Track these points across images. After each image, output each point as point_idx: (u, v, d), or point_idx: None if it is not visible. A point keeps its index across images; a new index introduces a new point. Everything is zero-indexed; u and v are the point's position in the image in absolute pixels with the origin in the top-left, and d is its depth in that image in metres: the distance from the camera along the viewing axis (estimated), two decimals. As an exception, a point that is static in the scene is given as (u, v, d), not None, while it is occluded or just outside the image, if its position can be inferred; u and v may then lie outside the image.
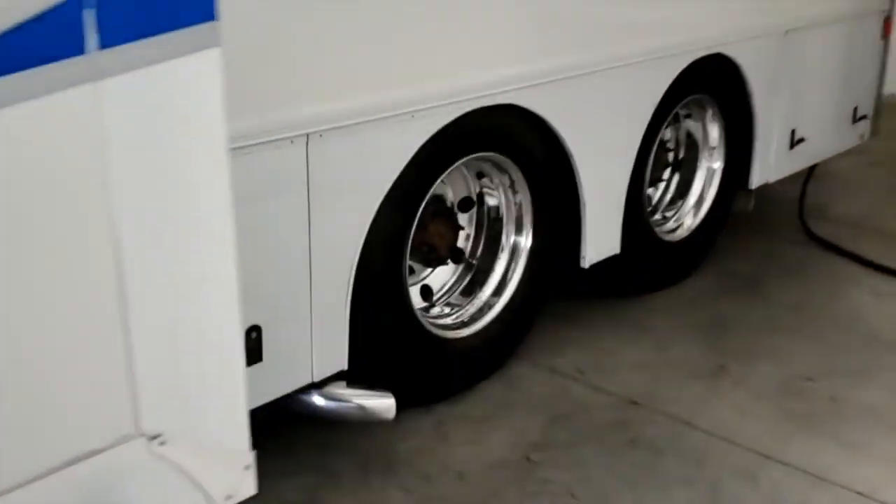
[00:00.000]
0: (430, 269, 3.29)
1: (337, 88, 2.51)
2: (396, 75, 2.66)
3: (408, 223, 2.90)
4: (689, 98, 3.96)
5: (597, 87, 3.30)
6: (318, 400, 2.69)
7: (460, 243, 3.34)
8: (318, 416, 2.74)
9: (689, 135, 4.23)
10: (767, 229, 4.85)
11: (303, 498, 2.73)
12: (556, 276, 3.51)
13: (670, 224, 4.19)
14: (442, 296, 3.33)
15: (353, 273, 2.69)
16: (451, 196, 3.26)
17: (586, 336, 3.71)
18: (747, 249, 4.59)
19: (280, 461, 2.82)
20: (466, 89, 2.84)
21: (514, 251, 3.40)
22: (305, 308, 2.59)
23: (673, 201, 4.27)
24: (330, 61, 2.49)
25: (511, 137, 3.15)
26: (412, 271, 3.16)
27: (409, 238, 2.93)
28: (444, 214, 3.22)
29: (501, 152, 3.15)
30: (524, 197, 3.33)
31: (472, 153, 3.05)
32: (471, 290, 3.38)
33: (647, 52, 3.50)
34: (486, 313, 3.35)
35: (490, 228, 3.38)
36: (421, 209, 2.92)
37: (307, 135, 2.43)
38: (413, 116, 2.69)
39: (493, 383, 3.37)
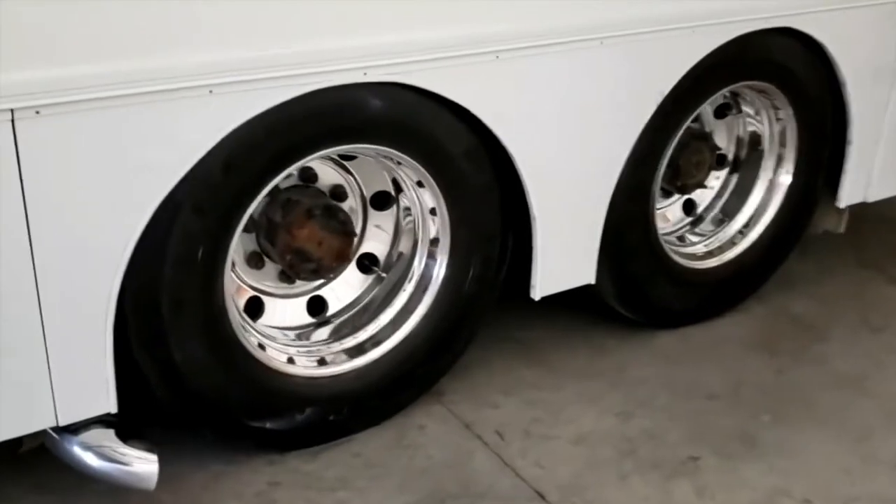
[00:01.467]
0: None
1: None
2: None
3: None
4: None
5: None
6: (72, 448, 2.10)
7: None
8: (73, 466, 2.15)
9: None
10: (860, 258, 3.73)
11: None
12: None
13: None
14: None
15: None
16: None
17: (539, 383, 2.88)
18: (820, 283, 3.52)
19: None
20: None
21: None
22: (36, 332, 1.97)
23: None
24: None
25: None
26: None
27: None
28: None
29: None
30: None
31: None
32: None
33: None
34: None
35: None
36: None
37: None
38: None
39: (384, 430, 2.64)
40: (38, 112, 1.79)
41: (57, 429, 2.11)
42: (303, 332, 2.59)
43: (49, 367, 2.00)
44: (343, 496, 2.39)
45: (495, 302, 2.73)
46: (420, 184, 2.50)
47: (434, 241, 2.58)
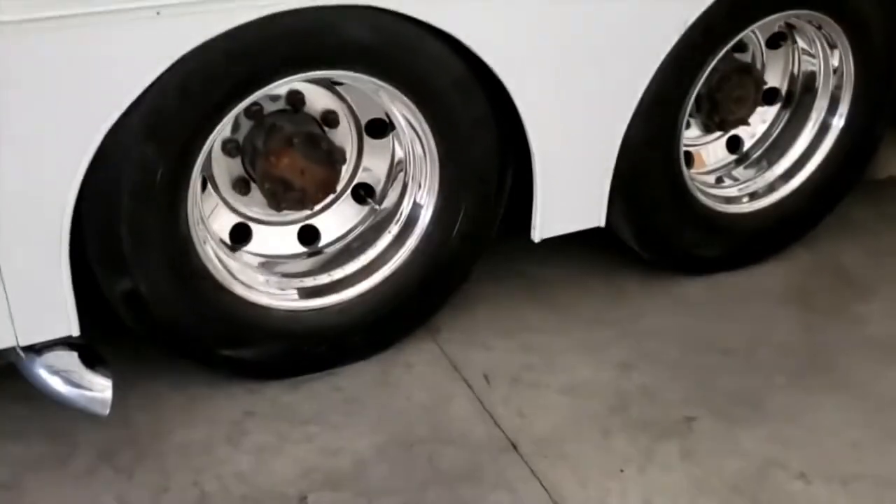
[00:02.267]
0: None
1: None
2: None
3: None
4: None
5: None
6: (34, 369, 2.12)
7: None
8: (36, 387, 2.18)
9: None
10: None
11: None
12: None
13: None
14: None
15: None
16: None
17: (542, 326, 2.74)
18: (878, 234, 3.19)
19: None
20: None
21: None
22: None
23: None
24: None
25: None
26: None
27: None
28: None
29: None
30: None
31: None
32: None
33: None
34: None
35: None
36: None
37: None
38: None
39: (370, 366, 2.58)
40: (-28, 32, 1.75)
41: (23, 349, 2.14)
42: (289, 262, 2.54)
43: (4, 288, 2.01)
44: (313, 430, 2.35)
45: (491, 241, 2.60)
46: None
47: (423, 176, 2.47)
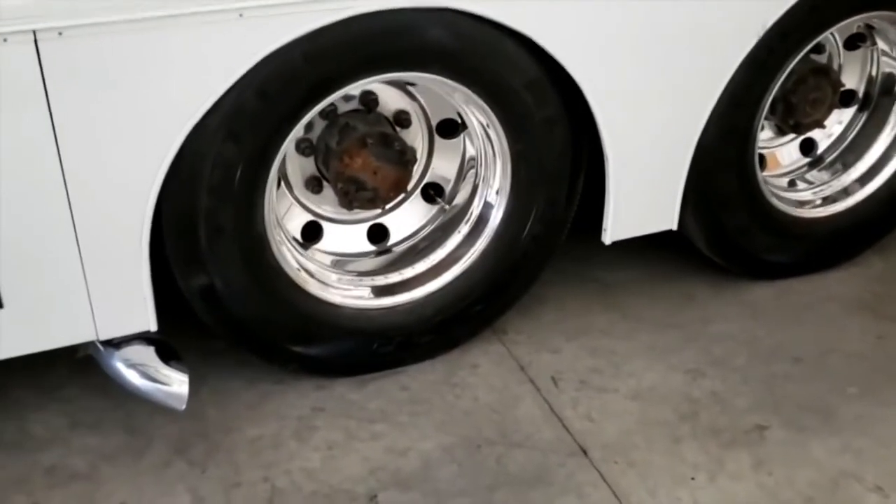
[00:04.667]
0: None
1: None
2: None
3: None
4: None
5: None
6: (112, 362, 2.16)
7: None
8: (114, 380, 2.22)
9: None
10: None
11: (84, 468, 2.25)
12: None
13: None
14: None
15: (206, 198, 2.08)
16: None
17: (610, 329, 2.72)
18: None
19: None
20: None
21: None
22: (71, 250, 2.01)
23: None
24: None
25: None
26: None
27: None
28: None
29: None
30: None
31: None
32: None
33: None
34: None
35: (877, 104, 2.94)
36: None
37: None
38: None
39: (436, 366, 2.57)
40: (60, 33, 1.78)
41: (102, 343, 2.19)
42: (359, 260, 2.55)
43: (87, 284, 2.05)
44: (380, 429, 2.37)
45: (561, 243, 2.59)
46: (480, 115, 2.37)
47: (494, 176, 2.46)
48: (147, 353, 2.17)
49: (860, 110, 2.97)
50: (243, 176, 2.11)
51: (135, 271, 2.09)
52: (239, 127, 2.05)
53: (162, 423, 2.37)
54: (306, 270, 2.39)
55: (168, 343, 2.24)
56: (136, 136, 1.96)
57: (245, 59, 1.95)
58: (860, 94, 2.96)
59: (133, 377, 2.16)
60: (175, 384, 2.15)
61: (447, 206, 2.58)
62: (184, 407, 2.17)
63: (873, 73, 2.90)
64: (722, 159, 2.60)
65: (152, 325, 2.16)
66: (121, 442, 2.33)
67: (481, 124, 2.41)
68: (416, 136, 2.52)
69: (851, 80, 2.92)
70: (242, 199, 2.14)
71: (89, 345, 2.21)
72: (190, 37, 1.89)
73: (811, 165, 3.01)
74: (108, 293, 2.08)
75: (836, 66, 2.85)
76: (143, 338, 2.19)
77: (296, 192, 2.47)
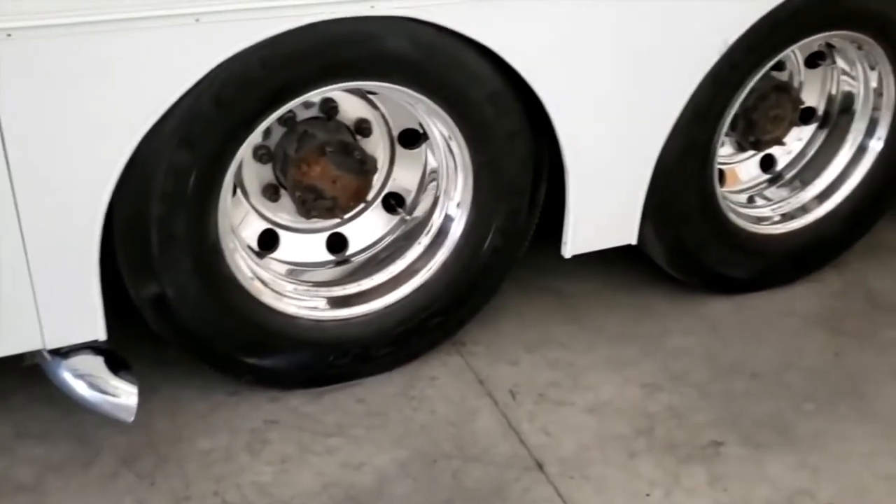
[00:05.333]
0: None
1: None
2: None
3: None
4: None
5: None
6: (60, 372, 2.11)
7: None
8: (61, 389, 2.16)
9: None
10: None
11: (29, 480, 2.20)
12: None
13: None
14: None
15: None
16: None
17: (568, 341, 2.70)
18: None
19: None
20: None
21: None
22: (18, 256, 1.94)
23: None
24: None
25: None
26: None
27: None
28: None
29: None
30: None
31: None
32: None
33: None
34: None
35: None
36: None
37: None
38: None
39: (394, 378, 2.54)
40: (9, 35, 1.73)
41: (50, 352, 2.13)
42: (316, 270, 2.52)
43: (34, 292, 1.99)
44: (335, 443, 2.33)
45: (521, 255, 2.58)
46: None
47: (456, 188, 2.44)
48: (96, 363, 2.11)
49: (820, 128, 2.99)
50: (197, 183, 2.06)
51: (84, 279, 2.03)
52: (193, 133, 2.00)
53: (111, 433, 2.31)
54: (260, 280, 2.35)
55: (117, 353, 2.18)
56: (88, 141, 1.91)
57: (200, 65, 1.91)
58: (820, 112, 2.98)
59: (80, 388, 2.10)
60: (123, 395, 2.10)
61: (408, 217, 2.56)
62: (132, 419, 2.12)
63: (833, 91, 2.93)
64: (682, 174, 2.60)
65: (101, 335, 2.11)
66: (68, 453, 2.27)
67: (443, 136, 2.39)
68: (377, 146, 2.49)
69: (811, 97, 2.95)
70: (196, 207, 2.10)
71: (36, 353, 2.16)
72: (144, 41, 1.84)
73: (770, 182, 3.02)
74: (56, 301, 2.03)
75: (796, 84, 2.88)
76: (92, 347, 2.13)
77: (252, 199, 2.42)
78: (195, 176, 2.05)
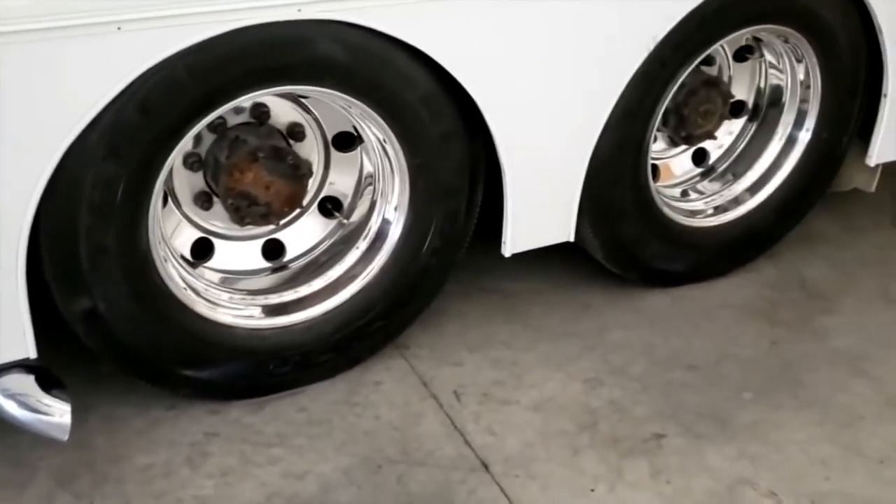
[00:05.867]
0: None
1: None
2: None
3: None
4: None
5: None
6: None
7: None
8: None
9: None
10: (893, 219, 3.39)
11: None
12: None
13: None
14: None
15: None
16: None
17: (511, 340, 2.71)
18: (843, 246, 3.21)
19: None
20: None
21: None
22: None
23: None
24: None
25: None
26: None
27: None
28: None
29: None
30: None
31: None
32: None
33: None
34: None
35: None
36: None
37: None
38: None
39: (337, 385, 2.52)
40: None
41: (-24, 370, 2.06)
42: (253, 278, 2.48)
43: (-42, 310, 1.94)
44: (277, 453, 2.30)
45: (461, 256, 2.57)
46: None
47: (392, 192, 2.43)
48: (26, 382, 2.05)
49: (750, 121, 3.04)
50: (125, 193, 2.01)
51: (11, 295, 1.97)
52: (120, 144, 1.96)
53: (46, 453, 2.24)
54: (193, 290, 2.31)
55: (50, 370, 2.12)
56: (10, 152, 1.85)
57: (124, 74, 1.86)
58: (750, 105, 3.03)
59: (12, 408, 2.03)
60: (57, 414, 2.04)
61: (345, 221, 2.53)
62: (66, 438, 2.06)
63: (762, 84, 2.98)
64: (616, 171, 2.62)
65: (31, 353, 2.05)
66: (2, 475, 2.20)
67: (378, 139, 2.37)
68: (311, 150, 2.46)
69: (741, 91, 2.99)
70: (125, 218, 2.05)
71: (-36, 373, 2.09)
72: (66, 50, 1.79)
73: (703, 175, 3.06)
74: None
75: (726, 78, 2.92)
76: (23, 365, 2.07)
77: (184, 208, 2.38)
78: (123, 186, 2.00)
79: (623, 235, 2.76)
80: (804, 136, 2.93)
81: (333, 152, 2.50)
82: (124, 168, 1.99)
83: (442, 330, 2.75)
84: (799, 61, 2.85)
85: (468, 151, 2.41)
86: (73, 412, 2.11)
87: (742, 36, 2.77)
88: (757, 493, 2.25)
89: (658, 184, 2.89)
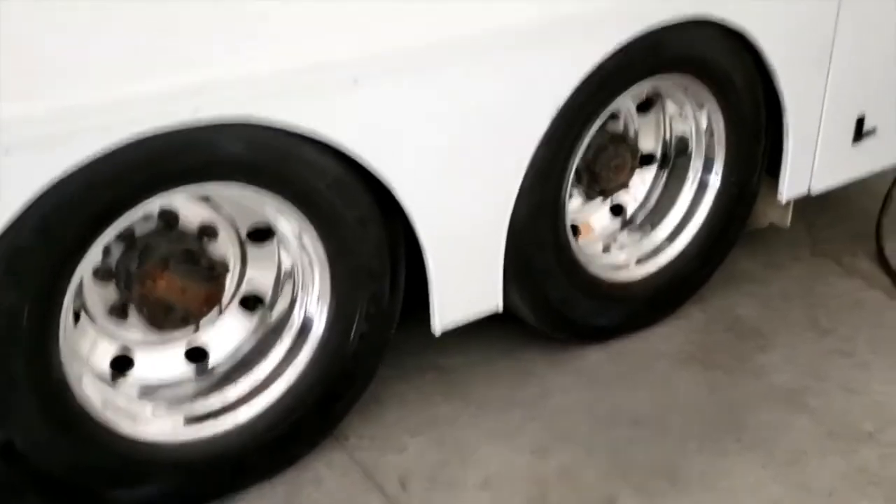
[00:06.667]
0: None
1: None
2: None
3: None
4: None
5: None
6: None
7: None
8: None
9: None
10: (815, 248, 3.47)
11: None
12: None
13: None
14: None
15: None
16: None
17: (455, 418, 2.64)
18: (767, 281, 3.27)
19: None
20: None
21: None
22: None
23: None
24: None
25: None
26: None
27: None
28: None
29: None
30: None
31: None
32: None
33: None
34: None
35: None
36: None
37: None
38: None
39: (276, 486, 2.40)
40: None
41: None
42: (178, 386, 2.39)
43: None
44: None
45: (390, 338, 2.52)
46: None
47: (313, 283, 2.38)
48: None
49: (661, 168, 3.08)
50: (31, 320, 1.92)
51: None
52: (19, 269, 1.87)
53: None
54: (116, 407, 2.20)
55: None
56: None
57: (14, 198, 1.78)
58: (658, 156, 3.07)
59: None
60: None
61: (269, 315, 2.46)
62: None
63: (667, 135, 3.03)
64: (535, 235, 2.62)
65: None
66: None
67: (293, 231, 2.32)
68: (226, 247, 2.39)
69: (648, 142, 3.03)
70: (34, 345, 1.95)
71: None
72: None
73: (622, 228, 3.08)
74: None
75: (632, 133, 2.96)
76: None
77: (99, 322, 2.28)
78: (28, 313, 1.91)
79: (551, 298, 2.75)
80: (714, 181, 2.98)
81: (250, 247, 2.44)
82: (26, 294, 1.90)
83: (381, 416, 2.68)
84: (700, 108, 2.92)
85: (386, 232, 2.38)
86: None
87: (642, 90, 2.83)
88: (715, 546, 2.23)
89: (580, 242, 2.91)
